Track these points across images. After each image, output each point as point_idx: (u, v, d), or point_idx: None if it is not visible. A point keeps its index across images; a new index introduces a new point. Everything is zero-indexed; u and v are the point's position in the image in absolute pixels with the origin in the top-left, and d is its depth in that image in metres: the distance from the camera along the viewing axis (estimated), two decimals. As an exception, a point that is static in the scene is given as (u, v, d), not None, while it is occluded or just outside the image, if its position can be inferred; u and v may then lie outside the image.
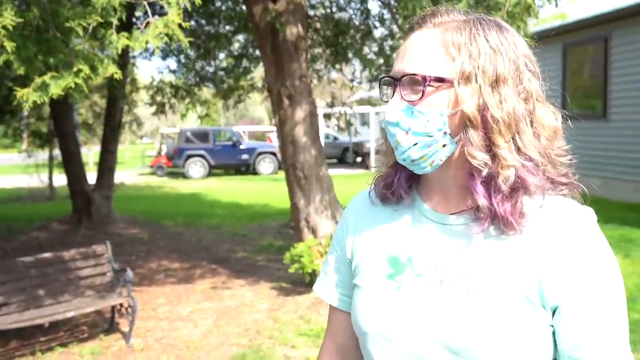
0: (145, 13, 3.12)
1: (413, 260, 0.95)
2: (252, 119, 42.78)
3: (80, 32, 2.91)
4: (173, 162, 20.29)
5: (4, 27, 2.57)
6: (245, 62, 8.86)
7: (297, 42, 5.29)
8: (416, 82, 0.89)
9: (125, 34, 3.04)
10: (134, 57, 9.85)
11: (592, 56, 10.80)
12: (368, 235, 1.03)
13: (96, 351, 4.50)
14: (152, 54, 8.25)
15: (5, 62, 2.79)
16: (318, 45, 7.55)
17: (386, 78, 0.95)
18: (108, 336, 4.83)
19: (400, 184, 1.00)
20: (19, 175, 15.59)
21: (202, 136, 19.98)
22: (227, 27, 8.65)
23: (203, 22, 8.44)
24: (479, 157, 0.87)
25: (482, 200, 0.88)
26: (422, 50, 0.91)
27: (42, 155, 13.92)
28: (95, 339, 4.77)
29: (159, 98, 8.72)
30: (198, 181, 18.70)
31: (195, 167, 19.74)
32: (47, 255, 4.72)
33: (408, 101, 0.90)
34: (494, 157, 0.87)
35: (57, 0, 3.02)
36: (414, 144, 0.90)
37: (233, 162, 20.32)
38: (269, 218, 10.40)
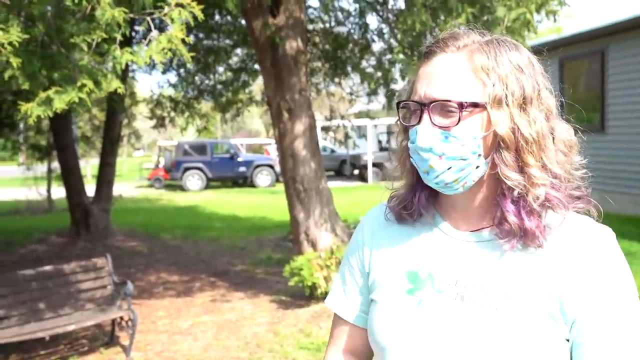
0: (149, 29, 3.17)
1: (434, 276, 0.97)
2: (249, 131, 42.87)
3: (85, 48, 2.96)
4: (171, 175, 20.31)
5: (10, 43, 2.61)
6: (244, 76, 8.93)
7: (296, 56, 5.35)
8: (448, 108, 0.91)
9: (129, 49, 3.09)
10: (133, 70, 9.91)
11: (589, 70, 10.90)
12: (385, 251, 1.04)
13: (96, 365, 4.50)
14: (153, 67, 8.31)
15: (10, 77, 2.83)
16: (317, 59, 7.62)
17: (411, 103, 0.96)
18: (108, 349, 4.82)
19: (420, 204, 1.02)
20: (17, 188, 15.57)
21: (200, 149, 20.01)
22: (227, 41, 8.72)
23: (202, 36, 8.52)
24: (514, 178, 0.90)
25: (512, 218, 0.90)
26: (451, 76, 0.92)
27: (41, 168, 13.94)
28: (96, 353, 4.77)
29: (158, 112, 8.76)
30: (196, 194, 18.70)
31: (193, 180, 19.75)
32: (47, 268, 4.73)
33: (440, 127, 0.91)
34: (525, 176, 0.90)
35: (61, 16, 3.07)
36: (448, 168, 0.92)
37: (230, 174, 20.34)
38: (267, 231, 10.41)
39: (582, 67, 11.12)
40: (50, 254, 8.70)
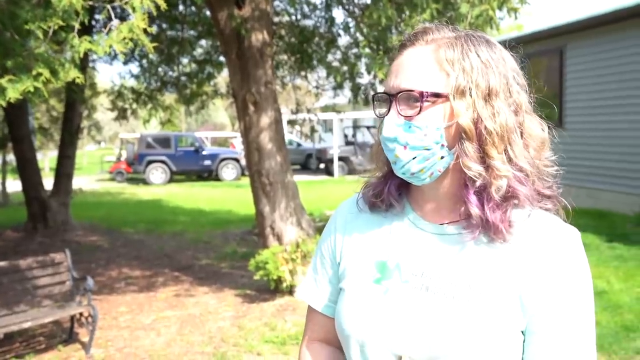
0: (109, 17, 3.06)
1: (401, 266, 0.98)
2: (215, 125, 42.37)
3: (41, 35, 2.83)
4: (133, 168, 19.92)
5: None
6: (209, 68, 8.78)
7: (262, 48, 5.28)
8: (413, 98, 0.92)
9: (88, 37, 2.97)
10: (93, 60, 9.64)
11: (548, 67, 11.14)
12: (356, 241, 1.06)
13: (54, 363, 4.37)
14: (114, 58, 8.09)
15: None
16: (283, 52, 7.55)
17: (381, 94, 0.98)
18: (67, 347, 4.69)
19: (390, 193, 1.03)
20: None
21: (164, 142, 19.67)
22: (191, 32, 8.56)
23: (166, 26, 8.33)
24: (474, 168, 0.90)
25: (474, 210, 0.91)
26: (417, 67, 0.94)
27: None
28: (54, 350, 4.63)
29: (120, 103, 8.54)
30: (159, 187, 18.39)
31: (157, 173, 19.41)
32: (1, 263, 4.56)
33: (405, 116, 0.93)
34: (488, 167, 0.91)
35: (15, 1, 2.93)
36: (413, 158, 0.93)
37: (195, 168, 20.08)
38: (232, 225, 10.31)
39: (542, 65, 11.37)
40: (5, 249, 8.40)
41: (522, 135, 0.94)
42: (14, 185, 12.64)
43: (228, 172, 19.96)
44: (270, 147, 5.41)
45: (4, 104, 2.84)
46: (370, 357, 0.96)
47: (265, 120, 5.37)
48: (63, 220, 9.73)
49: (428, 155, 0.92)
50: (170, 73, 8.57)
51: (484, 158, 0.91)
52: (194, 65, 8.50)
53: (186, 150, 19.84)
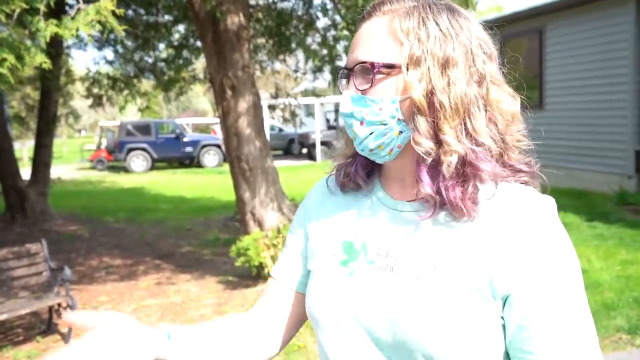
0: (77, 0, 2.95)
1: (367, 246, 0.94)
2: (196, 111, 42.00)
3: (3, 19, 2.72)
4: (114, 156, 19.68)
5: None
6: (186, 53, 8.63)
7: (238, 31, 5.18)
8: (367, 70, 0.88)
9: (54, 21, 2.87)
10: (68, 47, 9.42)
11: (527, 48, 11.15)
12: (325, 220, 1.03)
13: (33, 354, 4.29)
14: (86, 44, 7.90)
15: None
16: (260, 35, 7.42)
17: (342, 70, 0.94)
18: (45, 338, 4.61)
19: (357, 172, 1.00)
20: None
21: (144, 129, 19.43)
22: (167, 17, 8.39)
23: (142, 11, 8.15)
24: (424, 144, 0.85)
25: (426, 189, 0.86)
26: (371, 38, 0.89)
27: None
28: (32, 342, 4.55)
29: (95, 90, 8.37)
30: (141, 175, 18.20)
31: (137, 161, 19.19)
32: (-24, 255, 4.45)
33: (361, 90, 0.88)
34: (440, 143, 0.85)
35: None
36: (370, 134, 0.88)
37: (177, 155, 19.90)
38: (214, 211, 10.23)
39: (521, 45, 11.37)
40: (-16, 241, 8.25)
41: (485, 108, 0.87)
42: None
43: (210, 158, 19.80)
44: (249, 132, 5.33)
45: (-33, 90, 2.74)
46: (337, 341, 0.93)
47: (243, 105, 5.28)
48: (42, 209, 9.57)
49: (385, 130, 0.87)
50: (147, 59, 8.40)
51: (436, 133, 0.85)
52: (170, 51, 8.34)
53: (167, 137, 19.63)
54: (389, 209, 0.94)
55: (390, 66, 0.86)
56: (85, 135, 44.58)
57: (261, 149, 5.46)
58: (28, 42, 2.96)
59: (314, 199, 1.09)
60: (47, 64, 2.99)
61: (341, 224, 1.00)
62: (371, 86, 0.87)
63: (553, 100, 10.46)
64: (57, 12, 3.16)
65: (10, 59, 2.73)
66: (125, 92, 8.18)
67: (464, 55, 0.86)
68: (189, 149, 19.76)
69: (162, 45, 8.55)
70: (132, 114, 28.82)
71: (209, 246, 7.62)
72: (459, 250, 0.85)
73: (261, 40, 7.65)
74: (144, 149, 19.14)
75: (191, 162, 19.97)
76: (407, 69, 0.85)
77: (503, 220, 0.84)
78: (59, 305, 4.53)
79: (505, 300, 0.83)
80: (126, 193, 13.74)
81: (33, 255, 4.67)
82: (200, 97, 40.81)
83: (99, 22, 2.83)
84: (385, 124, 0.87)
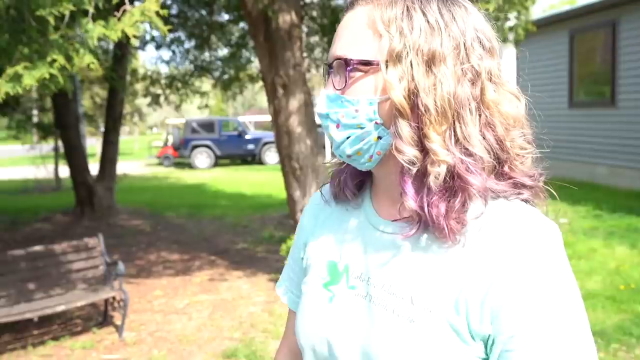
0: (122, 1, 3.00)
1: (349, 269, 0.85)
2: (260, 108, 42.64)
3: (52, 21, 2.81)
4: (179, 153, 20.27)
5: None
6: (245, 53, 8.74)
7: (290, 30, 5.15)
8: (344, 67, 0.78)
9: (102, 22, 2.94)
10: (135, 48, 9.74)
11: (599, 42, 10.54)
12: (318, 236, 0.94)
13: (87, 345, 4.45)
14: (146, 43, 8.14)
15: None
16: (315, 33, 7.39)
17: (326, 66, 0.84)
18: (101, 329, 4.77)
19: (346, 184, 0.90)
20: (26, 166, 15.62)
21: (208, 126, 19.93)
22: (227, 17, 8.52)
23: (201, 11, 8.31)
24: (407, 152, 0.74)
25: (410, 203, 0.75)
26: (350, 31, 0.79)
27: (49, 146, 13.95)
28: (89, 333, 4.72)
29: (152, 89, 8.61)
30: (204, 171, 18.66)
31: (201, 158, 19.70)
32: (38, 248, 4.66)
33: (338, 89, 0.79)
34: (426, 151, 0.74)
35: (33, -12, 2.92)
36: (347, 138, 0.79)
37: (239, 152, 20.27)
38: (271, 208, 10.32)
39: (593, 40, 10.76)
40: (55, 233, 8.68)
41: (480, 111, 0.75)
42: (66, 170, 13.07)
43: (271, 155, 20.02)
44: (299, 131, 5.30)
45: (20, 90, 2.85)
46: None
47: (294, 103, 5.26)
48: (108, 204, 9.96)
49: (362, 134, 0.77)
50: (203, 58, 8.56)
51: (421, 140, 0.74)
52: (229, 50, 8.45)
53: (230, 135, 20.03)
54: (374, 229, 0.84)
55: (367, 63, 0.76)
56: (157, 133, 46.24)
57: (312, 148, 5.42)
58: (77, 43, 3.04)
59: (310, 211, 1.00)
60: (94, 65, 3.07)
61: (329, 241, 0.91)
62: (346, 85, 0.77)
63: (627, 97, 9.82)
64: (108, 12, 3.22)
65: (60, 59, 2.82)
66: (183, 91, 8.37)
67: (455, 50, 0.74)
68: (250, 146, 20.08)
69: (220, 45, 8.68)
70: (199, 112, 29.66)
71: (264, 243, 7.67)
72: (438, 282, 0.74)
73: (315, 39, 7.62)
74: (207, 146, 19.62)
75: (253, 159, 20.29)
76: (387, 66, 0.75)
77: (489, 248, 0.72)
78: (114, 298, 4.68)
79: (487, 343, 0.71)
80: (189, 189, 14.11)
81: (90, 249, 4.84)
82: (265, 94, 41.38)
83: (145, 22, 2.88)
84: (362, 128, 0.77)
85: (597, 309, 4.50)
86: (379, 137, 0.77)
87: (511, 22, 6.02)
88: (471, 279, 0.72)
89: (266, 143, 20.12)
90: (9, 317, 4.17)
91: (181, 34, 8.31)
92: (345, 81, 0.78)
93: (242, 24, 8.81)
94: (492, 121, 0.76)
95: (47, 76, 2.82)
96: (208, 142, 19.60)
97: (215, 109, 40.53)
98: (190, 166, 19.77)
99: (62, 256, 4.70)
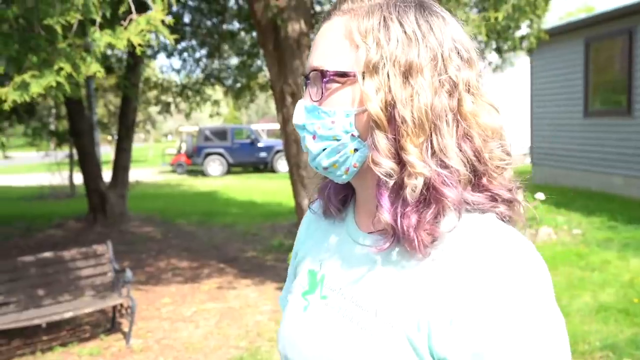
0: (129, 10, 3.04)
1: (325, 280, 0.86)
2: (273, 116, 42.77)
3: (59, 30, 2.84)
4: (192, 160, 20.41)
5: (-22, 25, 2.52)
6: (258, 61, 8.78)
7: (299, 38, 5.17)
8: (320, 78, 0.78)
9: (109, 31, 2.97)
10: (148, 56, 9.84)
11: (616, 50, 10.43)
12: (306, 248, 0.96)
13: (95, 352, 4.46)
14: (158, 51, 8.22)
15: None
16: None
17: (303, 77, 0.85)
18: (109, 336, 4.79)
19: (329, 197, 0.90)
20: (42, 173, 15.82)
21: (221, 134, 20.05)
22: (238, 25, 8.57)
23: (214, 21, 8.37)
24: (384, 165, 0.73)
25: (385, 216, 0.74)
26: (326, 42, 0.79)
27: (63, 153, 14.13)
28: (96, 339, 4.74)
29: (163, 97, 8.68)
30: (217, 179, 18.75)
31: (214, 165, 19.81)
32: (47, 254, 4.70)
33: (314, 101, 0.78)
34: (403, 164, 0.73)
35: (43, -2, 2.96)
36: (323, 149, 0.78)
37: (251, 160, 20.35)
38: (281, 217, 10.32)
39: (609, 48, 10.66)
40: (67, 240, 8.76)
41: (457, 123, 0.74)
42: (80, 177, 13.22)
43: (283, 164, 20.02)
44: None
45: (27, 98, 2.89)
46: None
47: (303, 111, 5.26)
48: (120, 211, 10.04)
49: (338, 147, 0.77)
50: (214, 66, 8.62)
51: (397, 152, 0.73)
52: (239, 58, 8.50)
53: (242, 143, 20.13)
54: (353, 242, 0.84)
55: (344, 74, 0.76)
56: (171, 140, 46.59)
57: (321, 156, 5.42)
58: (83, 52, 3.07)
59: (304, 223, 1.02)
60: (101, 73, 3.11)
61: (313, 252, 0.92)
62: (322, 96, 0.77)
63: (643, 106, 9.70)
64: (114, 21, 3.26)
65: (67, 68, 2.86)
66: (193, 99, 8.43)
67: (432, 61, 0.74)
68: (263, 154, 20.16)
69: (231, 53, 8.74)
70: (213, 120, 29.87)
71: (273, 252, 7.67)
72: (404, 297, 0.73)
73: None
74: (220, 154, 19.73)
75: (265, 167, 20.36)
76: (363, 77, 0.74)
77: (457, 265, 0.70)
78: (121, 305, 4.70)
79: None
80: (200, 197, 14.18)
81: (99, 256, 4.88)
82: (278, 103, 41.51)
83: (150, 31, 2.91)
84: (338, 140, 0.77)
85: (609, 322, 4.42)
86: (356, 150, 0.77)
87: (523, 31, 5.99)
88: (437, 296, 0.70)
89: (278, 151, 20.17)
90: (18, 322, 4.21)
91: (193, 42, 8.39)
92: (322, 92, 0.77)
93: (254, 33, 8.88)
94: (469, 133, 0.75)
95: (54, 84, 2.86)
96: (221, 150, 19.71)
97: (229, 117, 40.82)
98: (203, 174, 19.89)
99: (71, 263, 4.74)
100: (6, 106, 2.85)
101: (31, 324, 4.27)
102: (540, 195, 7.55)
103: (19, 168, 23.83)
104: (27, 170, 21.68)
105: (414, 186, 0.72)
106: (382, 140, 0.73)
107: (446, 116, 0.73)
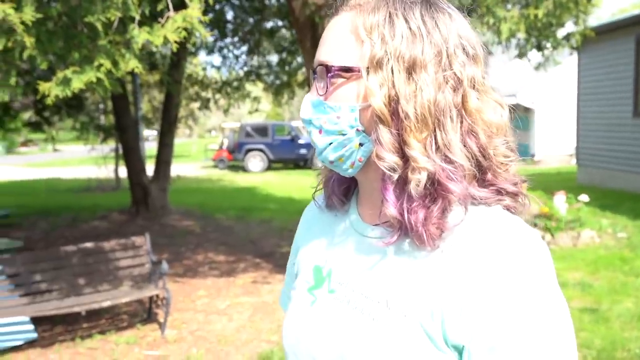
0: (167, 7, 3.11)
1: (332, 274, 0.87)
2: (315, 114, 42.88)
3: (100, 27, 2.94)
4: (234, 156, 20.68)
5: (22, 22, 2.63)
6: (298, 58, 8.83)
7: (336, 35, 5.18)
8: (326, 73, 0.79)
9: (147, 28, 3.05)
10: (189, 53, 10.02)
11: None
12: (308, 243, 0.97)
13: (131, 341, 4.59)
14: (198, 49, 8.36)
15: (29, 57, 2.87)
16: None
17: (311, 71, 0.85)
18: (145, 326, 4.92)
19: (333, 190, 0.91)
20: (90, 166, 16.36)
21: (262, 131, 20.24)
22: (280, 23, 8.64)
23: (255, 18, 8.46)
24: (388, 159, 0.74)
25: (390, 210, 0.75)
26: (332, 37, 0.80)
27: (109, 147, 14.56)
28: (133, 328, 4.88)
29: (203, 93, 8.82)
30: (257, 175, 18.96)
31: (255, 161, 20.03)
32: (88, 245, 4.87)
33: (320, 95, 0.80)
34: (406, 158, 0.74)
35: (86, -4, 3.06)
36: (329, 144, 0.80)
37: (291, 156, 20.47)
38: (319, 213, 10.35)
39: None
40: (110, 231, 9.03)
41: (462, 118, 0.75)
42: (124, 171, 13.60)
43: (323, 161, 20.11)
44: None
45: (69, 93, 3.00)
46: None
47: (339, 109, 5.27)
48: (162, 205, 10.28)
49: (344, 141, 0.78)
50: (254, 63, 8.71)
51: (401, 147, 0.74)
52: (281, 56, 8.57)
53: (283, 139, 20.28)
54: (357, 234, 0.85)
55: (349, 69, 0.77)
56: (214, 136, 47.33)
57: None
58: (122, 48, 3.16)
59: (304, 218, 1.03)
60: (139, 69, 3.19)
61: (317, 246, 0.93)
62: (327, 91, 0.78)
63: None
64: (154, 18, 3.34)
65: (107, 64, 2.95)
66: (233, 95, 8.54)
67: (436, 57, 0.74)
68: (303, 151, 20.25)
69: (271, 51, 8.82)
70: (254, 117, 30.21)
71: (309, 248, 7.70)
72: (415, 287, 0.75)
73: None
74: (261, 150, 19.93)
75: (305, 163, 20.44)
76: (368, 73, 0.75)
77: (466, 255, 0.72)
78: (157, 296, 4.81)
79: (461, 352, 0.71)
80: (240, 192, 14.37)
81: (137, 247, 5.01)
82: (320, 100, 41.57)
83: (185, 29, 2.97)
84: (344, 134, 0.78)
85: (651, 329, 4.26)
86: (361, 144, 0.78)
87: (568, 29, 5.81)
88: (449, 286, 0.72)
89: (319, 148, 20.21)
90: (59, 309, 4.37)
91: (234, 39, 8.50)
92: (327, 87, 0.78)
93: (294, 30, 8.94)
94: (474, 129, 0.76)
95: (94, 80, 2.96)
96: (261, 146, 19.91)
97: (272, 114, 41.16)
98: (243, 169, 20.14)
99: (111, 253, 4.89)
100: (49, 100, 2.97)
101: (72, 312, 4.42)
102: (584, 197, 7.34)
103: (68, 161, 24.74)
104: (76, 163, 22.46)
105: (417, 181, 0.73)
106: (385, 135, 0.75)
107: (450, 112, 0.74)
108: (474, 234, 0.73)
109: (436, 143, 0.74)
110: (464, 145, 0.75)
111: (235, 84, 8.52)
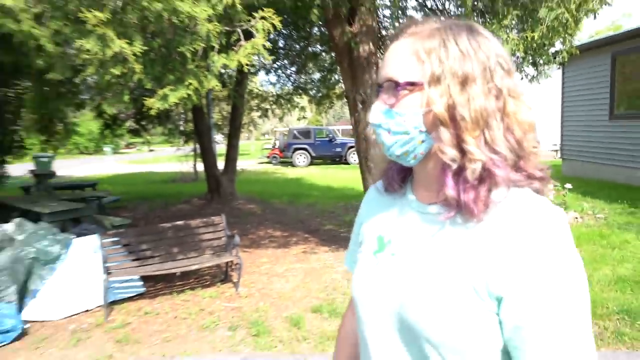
0: (238, 39, 3.15)
1: (392, 242, 0.89)
2: (347, 119, 42.69)
3: (189, 55, 3.01)
4: (284, 154, 20.79)
5: (134, 53, 2.72)
6: (335, 76, 8.79)
7: (369, 57, 5.13)
8: (393, 87, 0.81)
9: (224, 54, 3.10)
10: (251, 73, 10.10)
11: (638, 62, 9.53)
12: (371, 218, 0.99)
13: (213, 295, 4.71)
14: (258, 70, 8.41)
15: (138, 79, 2.97)
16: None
17: (376, 86, 0.88)
18: (223, 285, 5.03)
19: (392, 177, 0.94)
20: (175, 162, 16.73)
21: (306, 134, 20.27)
22: (320, 48, 8.61)
23: (301, 45, 8.45)
24: (449, 153, 0.77)
25: (450, 192, 0.78)
26: (396, 58, 0.82)
27: (189, 148, 14.85)
28: (214, 287, 4.99)
29: (262, 105, 8.89)
30: (302, 169, 19.00)
31: (300, 158, 20.09)
32: (179, 222, 5.00)
33: (388, 104, 0.82)
34: (463, 152, 0.76)
35: (177, 32, 3.14)
36: (395, 142, 0.82)
37: (329, 154, 20.44)
38: (353, 198, 10.32)
39: (633, 61, 9.75)
40: (193, 212, 9.22)
41: (503, 120, 0.77)
42: (201, 166, 13.87)
43: (354, 157, 20.00)
44: (374, 138, 5.27)
45: (167, 106, 3.09)
46: (363, 317, 0.90)
47: (371, 115, 5.24)
48: (230, 192, 10.43)
49: (408, 139, 0.80)
50: (301, 80, 8.71)
51: (459, 143, 0.76)
52: (320, 73, 8.55)
53: (322, 140, 20.25)
54: (414, 211, 0.87)
55: (413, 84, 0.79)
56: (268, 138, 47.66)
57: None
58: (205, 71, 3.22)
59: (365, 201, 1.05)
60: (218, 87, 3.25)
61: (380, 221, 0.95)
62: (396, 101, 0.80)
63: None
64: (228, 47, 3.38)
65: (195, 83, 3.02)
66: (285, 106, 8.57)
67: (482, 72, 0.76)
68: (338, 149, 20.19)
69: (314, 70, 8.80)
70: (300, 122, 30.38)
71: (346, 226, 7.70)
72: (464, 250, 0.76)
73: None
74: (305, 149, 19.97)
75: (340, 160, 20.38)
76: (429, 86, 0.77)
77: (506, 226, 0.73)
78: (232, 262, 4.90)
79: (500, 302, 0.72)
80: (290, 182, 14.45)
81: (216, 224, 5.11)
82: (350, 109, 41.34)
83: (253, 54, 3.01)
84: (408, 134, 0.80)
85: (625, 291, 4.11)
86: (423, 141, 0.81)
87: (557, 47, 5.60)
88: (492, 249, 0.73)
89: (351, 147, 20.12)
90: (160, 271, 4.51)
91: (285, 62, 8.53)
92: (396, 98, 0.80)
93: (332, 54, 8.89)
94: (512, 127, 0.77)
95: (185, 96, 3.03)
96: (306, 146, 19.95)
97: (313, 120, 41.17)
98: (292, 164, 20.23)
99: (196, 229, 5.00)
100: (152, 112, 3.07)
101: (169, 272, 4.56)
102: (568, 185, 7.09)
103: (159, 159, 25.35)
104: (165, 160, 23.01)
105: (473, 169, 0.75)
106: (446, 134, 0.77)
107: (495, 115, 0.76)
108: (512, 210, 0.74)
109: (485, 139, 0.76)
110: (506, 140, 0.76)
111: (287, 97, 8.57)
